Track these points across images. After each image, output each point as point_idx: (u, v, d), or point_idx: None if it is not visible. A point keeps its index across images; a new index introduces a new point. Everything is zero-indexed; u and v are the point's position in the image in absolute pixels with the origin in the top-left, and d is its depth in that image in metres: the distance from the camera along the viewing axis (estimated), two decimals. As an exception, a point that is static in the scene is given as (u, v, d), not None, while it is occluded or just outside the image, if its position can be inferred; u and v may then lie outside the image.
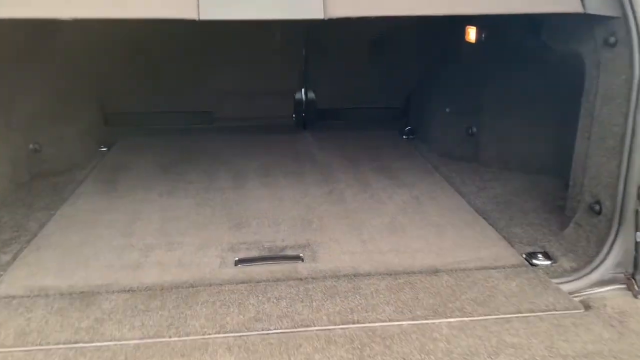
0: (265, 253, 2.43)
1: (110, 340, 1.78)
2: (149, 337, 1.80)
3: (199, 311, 1.94)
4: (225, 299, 2.02)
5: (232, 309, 1.95)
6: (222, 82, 4.12)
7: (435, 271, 2.24)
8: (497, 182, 3.24)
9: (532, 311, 1.94)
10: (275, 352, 1.72)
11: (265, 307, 1.97)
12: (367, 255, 2.39)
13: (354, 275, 2.21)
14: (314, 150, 3.90)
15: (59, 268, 2.27)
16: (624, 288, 2.14)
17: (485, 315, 1.92)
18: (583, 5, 2.07)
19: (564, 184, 3.17)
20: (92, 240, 2.52)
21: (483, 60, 3.45)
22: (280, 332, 1.83)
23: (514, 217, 2.76)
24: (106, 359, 1.69)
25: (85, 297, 2.04)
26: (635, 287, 2.12)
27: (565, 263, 2.31)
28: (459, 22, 3.65)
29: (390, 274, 2.21)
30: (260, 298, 2.03)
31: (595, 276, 2.18)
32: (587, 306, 1.99)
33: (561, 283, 2.17)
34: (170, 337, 1.80)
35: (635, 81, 2.08)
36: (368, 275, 2.21)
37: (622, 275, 2.16)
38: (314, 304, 1.99)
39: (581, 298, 2.06)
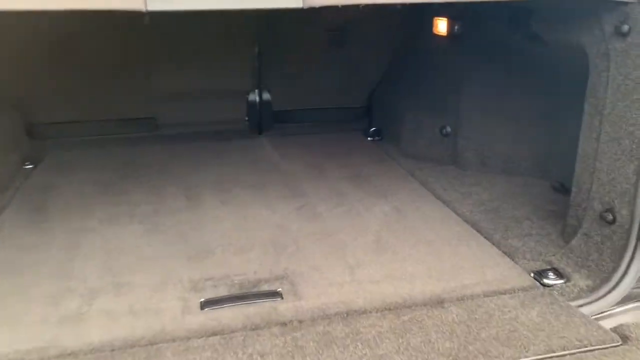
0: (235, 290, 2.03)
1: None
2: None
3: (164, 381, 1.53)
4: (195, 360, 1.62)
5: (206, 376, 1.55)
6: (166, 84, 3.63)
7: (440, 302, 1.92)
8: (479, 186, 2.97)
9: (566, 348, 1.66)
10: None
11: (249, 369, 1.58)
12: (357, 286, 2.04)
13: (347, 314, 1.86)
14: (275, 158, 3.50)
15: (-25, 331, 1.77)
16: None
17: (514, 358, 1.61)
18: None
19: (551, 186, 2.96)
20: (19, 288, 2.03)
21: (458, 53, 3.18)
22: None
23: (508, 228, 2.50)
24: None
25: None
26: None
27: (580, 281, 2.05)
28: (428, 14, 3.37)
29: (390, 309, 1.88)
30: (239, 356, 1.64)
31: (616, 295, 1.95)
32: (622, 336, 1.72)
33: (581, 306, 1.92)
34: None
35: (656, 75, 1.84)
36: (364, 312, 1.87)
37: (642, 290, 1.94)
38: (308, 359, 1.63)
39: (611, 325, 1.80)
